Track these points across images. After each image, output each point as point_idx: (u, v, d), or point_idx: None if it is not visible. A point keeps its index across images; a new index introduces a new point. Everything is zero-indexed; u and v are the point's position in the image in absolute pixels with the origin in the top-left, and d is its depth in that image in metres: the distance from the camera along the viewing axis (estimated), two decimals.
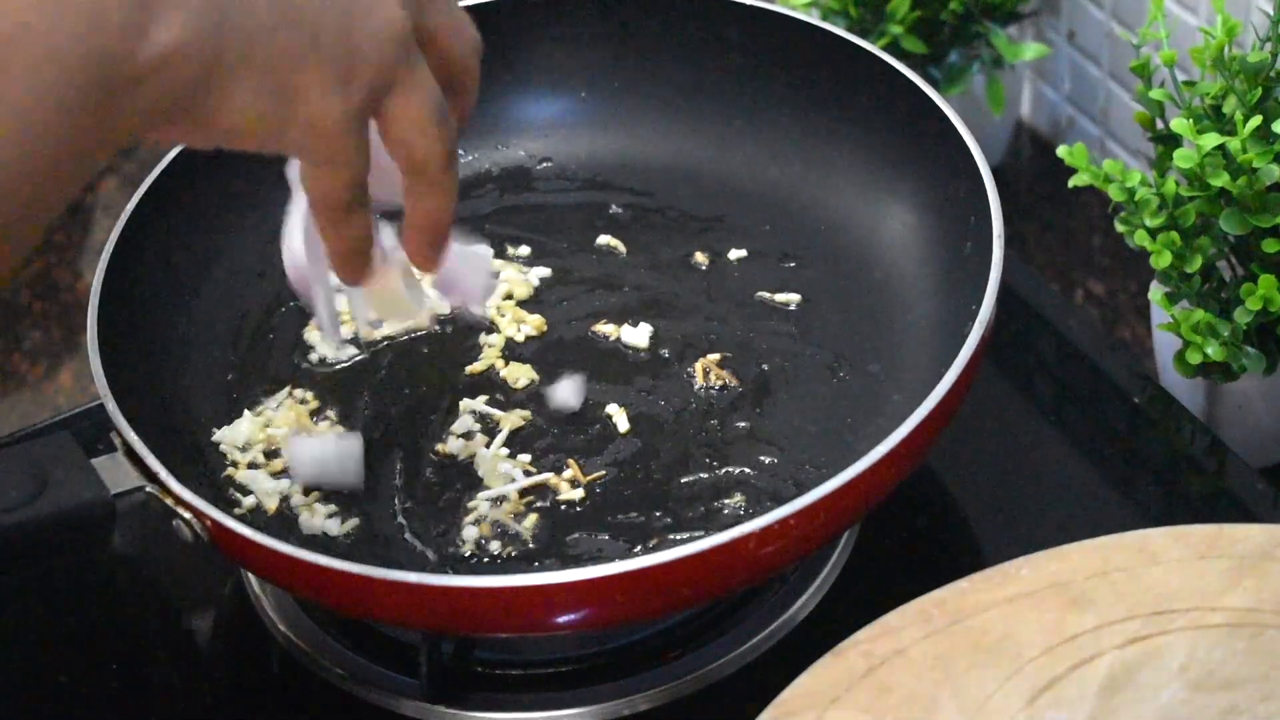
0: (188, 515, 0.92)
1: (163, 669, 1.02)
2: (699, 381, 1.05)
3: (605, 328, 1.08)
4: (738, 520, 0.95)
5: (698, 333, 1.07)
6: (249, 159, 1.11)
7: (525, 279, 1.11)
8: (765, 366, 1.05)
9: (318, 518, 0.99)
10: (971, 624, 0.89)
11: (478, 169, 1.17)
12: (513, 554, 0.97)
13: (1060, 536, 0.93)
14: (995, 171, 1.02)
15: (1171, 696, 0.86)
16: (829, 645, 0.89)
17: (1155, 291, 1.07)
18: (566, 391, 1.04)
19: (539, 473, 1.00)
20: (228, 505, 0.99)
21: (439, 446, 1.02)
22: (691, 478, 1.00)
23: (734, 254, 1.12)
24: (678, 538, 0.97)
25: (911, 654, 0.88)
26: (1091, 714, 0.86)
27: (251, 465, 1.02)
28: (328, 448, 1.00)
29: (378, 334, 1.08)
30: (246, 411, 1.04)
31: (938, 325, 1.03)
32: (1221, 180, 1.01)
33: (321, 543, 0.98)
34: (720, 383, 1.04)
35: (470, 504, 0.99)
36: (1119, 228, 1.06)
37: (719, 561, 0.88)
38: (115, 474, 0.93)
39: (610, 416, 1.03)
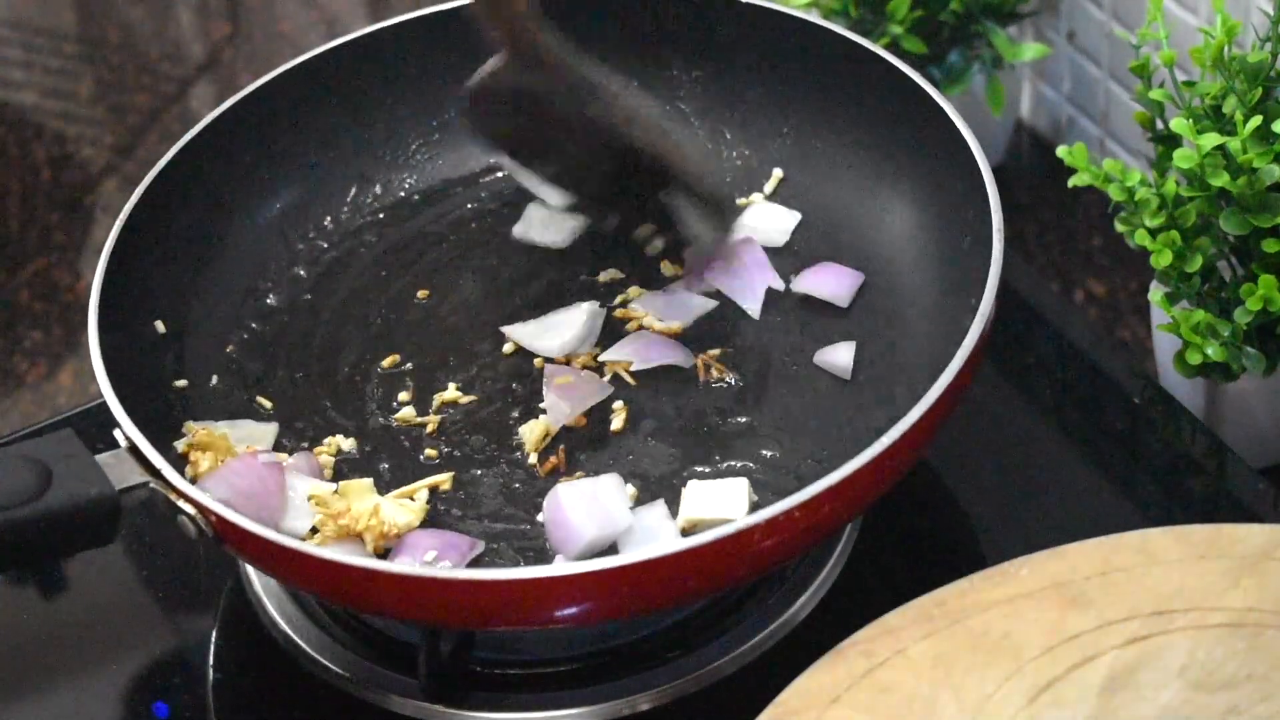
0: (192, 511, 0.92)
1: (163, 668, 1.02)
2: (700, 376, 1.05)
3: None
4: None
5: (698, 328, 1.07)
6: (244, 161, 1.12)
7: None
8: (766, 361, 1.05)
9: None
10: (971, 624, 0.89)
11: (477, 167, 1.17)
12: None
13: (1060, 536, 0.93)
14: (995, 171, 1.02)
15: (1171, 696, 0.86)
16: (829, 645, 0.89)
17: (1155, 292, 1.07)
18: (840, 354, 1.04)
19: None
20: None
21: (429, 451, 1.03)
22: (694, 471, 1.00)
23: None
24: None
25: (911, 654, 0.88)
26: (1091, 714, 0.86)
27: None
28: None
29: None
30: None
31: (938, 320, 1.03)
32: (1221, 180, 1.01)
33: None
34: (721, 378, 1.04)
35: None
36: (1119, 228, 1.06)
37: (723, 555, 0.88)
38: (120, 470, 0.93)
39: (612, 412, 1.03)
